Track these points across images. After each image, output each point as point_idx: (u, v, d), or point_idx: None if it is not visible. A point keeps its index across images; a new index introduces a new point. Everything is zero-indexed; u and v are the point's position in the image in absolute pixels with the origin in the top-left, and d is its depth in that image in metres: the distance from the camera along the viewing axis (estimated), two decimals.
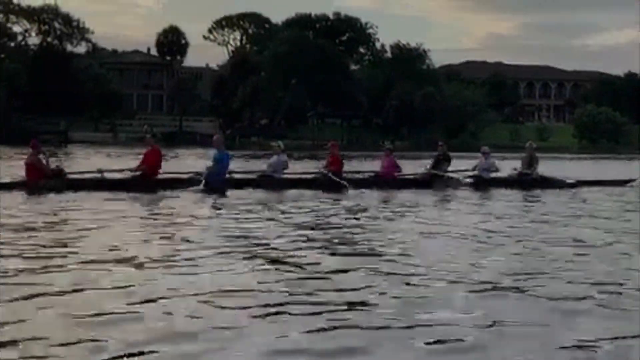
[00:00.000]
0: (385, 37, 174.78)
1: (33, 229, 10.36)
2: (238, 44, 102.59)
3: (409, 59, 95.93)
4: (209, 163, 17.96)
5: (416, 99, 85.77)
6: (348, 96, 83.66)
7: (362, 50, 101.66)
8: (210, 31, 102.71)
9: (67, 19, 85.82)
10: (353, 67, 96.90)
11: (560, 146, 77.13)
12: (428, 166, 21.11)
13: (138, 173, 17.65)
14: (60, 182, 16.39)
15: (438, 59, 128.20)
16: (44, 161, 16.78)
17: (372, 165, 25.04)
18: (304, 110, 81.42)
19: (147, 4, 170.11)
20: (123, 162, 27.28)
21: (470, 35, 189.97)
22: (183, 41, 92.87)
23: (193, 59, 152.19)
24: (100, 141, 70.00)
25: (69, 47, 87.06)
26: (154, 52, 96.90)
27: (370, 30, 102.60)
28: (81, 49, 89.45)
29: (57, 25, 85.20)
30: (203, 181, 17.18)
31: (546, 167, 23.42)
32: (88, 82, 78.86)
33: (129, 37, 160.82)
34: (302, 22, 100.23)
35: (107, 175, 17.56)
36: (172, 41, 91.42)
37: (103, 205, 13.65)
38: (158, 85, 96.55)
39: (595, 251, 9.54)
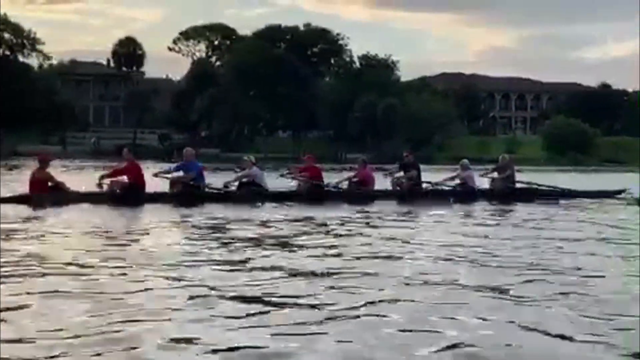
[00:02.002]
0: (382, 51, 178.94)
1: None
2: (203, 55, 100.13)
3: (376, 70, 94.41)
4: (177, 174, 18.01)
5: (378, 111, 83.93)
6: (306, 108, 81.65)
7: (334, 61, 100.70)
8: (175, 42, 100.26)
9: (17, 30, 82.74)
10: (326, 78, 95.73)
11: (527, 158, 75.46)
12: (396, 174, 20.86)
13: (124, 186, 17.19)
14: (63, 196, 16.16)
15: (434, 70, 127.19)
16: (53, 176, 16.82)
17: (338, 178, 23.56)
18: (261, 122, 79.29)
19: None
20: (75, 177, 26.11)
21: (467, 49, 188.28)
22: (140, 52, 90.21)
23: (161, 70, 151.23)
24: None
25: (21, 58, 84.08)
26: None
27: (342, 42, 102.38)
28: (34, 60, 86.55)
29: (6, 36, 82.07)
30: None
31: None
32: (37, 94, 75.85)
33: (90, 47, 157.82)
34: (271, 34, 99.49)
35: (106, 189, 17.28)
36: (128, 52, 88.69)
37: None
38: (116, 97, 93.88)
39: None
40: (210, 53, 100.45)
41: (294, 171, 20.38)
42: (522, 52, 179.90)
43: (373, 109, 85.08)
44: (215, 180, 20.15)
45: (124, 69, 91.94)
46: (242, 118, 79.31)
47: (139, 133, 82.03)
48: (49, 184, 16.53)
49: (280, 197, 18.44)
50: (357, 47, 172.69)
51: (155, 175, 18.52)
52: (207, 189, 18.30)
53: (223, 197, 17.90)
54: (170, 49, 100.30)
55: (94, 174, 25.67)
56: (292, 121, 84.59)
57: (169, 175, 18.18)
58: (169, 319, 5.93)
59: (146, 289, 7.08)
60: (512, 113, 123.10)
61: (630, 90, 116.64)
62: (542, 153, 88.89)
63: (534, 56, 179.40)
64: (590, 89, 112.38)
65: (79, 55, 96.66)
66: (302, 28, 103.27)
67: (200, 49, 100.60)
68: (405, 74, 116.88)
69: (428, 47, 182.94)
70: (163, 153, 60.92)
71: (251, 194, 18.15)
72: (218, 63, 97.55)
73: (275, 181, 20.65)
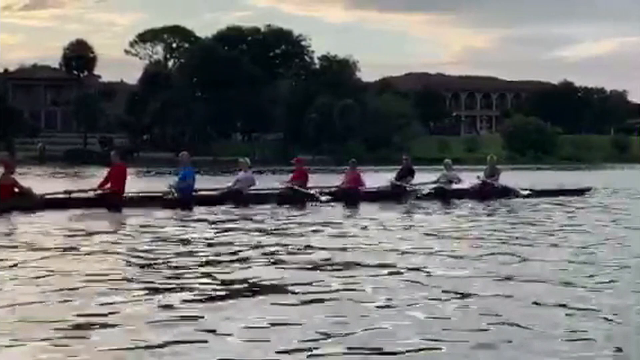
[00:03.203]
0: (362, 53, 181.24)
1: None
2: (161, 58, 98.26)
3: (335, 71, 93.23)
4: (175, 180, 18.18)
5: (334, 112, 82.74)
6: (261, 110, 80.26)
7: (296, 63, 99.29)
8: (131, 45, 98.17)
9: None
10: (285, 80, 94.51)
11: (486, 157, 73.61)
12: (392, 178, 21.17)
13: (105, 191, 17.29)
14: (29, 201, 16.11)
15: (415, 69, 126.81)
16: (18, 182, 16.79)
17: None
18: (215, 125, 77.71)
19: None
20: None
21: (447, 49, 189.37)
22: (92, 55, 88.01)
23: (117, 74, 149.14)
24: None
25: None
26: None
27: (304, 43, 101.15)
28: None
29: None
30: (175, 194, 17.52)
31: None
32: None
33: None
34: (232, 36, 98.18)
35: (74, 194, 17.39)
36: (79, 55, 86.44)
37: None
38: (68, 102, 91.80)
39: None
40: (168, 56, 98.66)
41: (288, 180, 20.09)
42: (500, 52, 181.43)
43: (329, 110, 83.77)
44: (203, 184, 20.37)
45: (75, 72, 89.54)
46: (195, 121, 77.43)
47: (90, 138, 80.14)
48: (15, 189, 16.46)
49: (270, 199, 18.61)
50: (334, 49, 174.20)
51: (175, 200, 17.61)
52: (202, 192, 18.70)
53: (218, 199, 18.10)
54: (127, 52, 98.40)
55: (44, 182, 26.10)
56: (247, 124, 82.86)
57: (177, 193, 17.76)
58: None
59: None
60: (477, 112, 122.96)
61: (591, 87, 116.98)
62: (502, 152, 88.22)
63: (512, 57, 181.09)
64: (551, 86, 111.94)
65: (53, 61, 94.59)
66: (263, 30, 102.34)
67: (157, 52, 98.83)
68: (377, 75, 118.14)
69: (407, 48, 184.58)
70: (101, 157, 59.23)
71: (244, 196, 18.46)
72: (175, 66, 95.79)
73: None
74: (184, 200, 17.27)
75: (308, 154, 72.84)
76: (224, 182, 20.47)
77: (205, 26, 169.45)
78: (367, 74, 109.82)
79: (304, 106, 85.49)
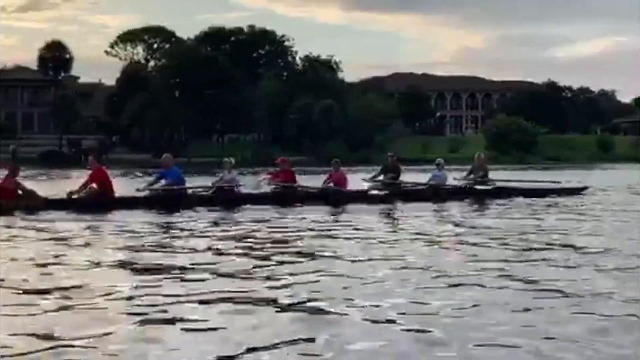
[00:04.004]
0: (355, 54, 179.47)
1: None
2: (142, 59, 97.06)
3: (317, 71, 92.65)
4: (162, 182, 18.04)
5: (314, 112, 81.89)
6: (240, 111, 79.29)
7: (279, 63, 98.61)
8: (112, 46, 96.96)
9: None
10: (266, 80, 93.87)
11: (469, 157, 72.91)
12: (377, 176, 21.02)
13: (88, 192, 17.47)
14: (34, 203, 16.55)
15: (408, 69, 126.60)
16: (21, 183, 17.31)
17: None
18: (193, 126, 76.67)
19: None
20: None
21: (441, 49, 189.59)
22: (68, 56, 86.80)
23: (96, 75, 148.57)
24: None
25: None
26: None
27: (287, 43, 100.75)
28: None
29: None
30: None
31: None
32: None
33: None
34: (213, 36, 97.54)
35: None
36: (55, 56, 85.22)
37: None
38: (45, 104, 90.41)
39: None
40: (148, 57, 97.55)
41: (270, 177, 20.06)
42: (491, 52, 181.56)
43: (309, 110, 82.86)
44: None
45: (51, 73, 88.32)
46: (173, 122, 76.36)
47: (66, 139, 79.12)
48: (19, 191, 17.01)
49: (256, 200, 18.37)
50: (326, 50, 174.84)
51: (142, 190, 18.11)
52: (193, 191, 18.66)
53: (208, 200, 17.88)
54: (107, 53, 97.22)
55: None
56: (225, 125, 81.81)
57: (155, 187, 18.13)
58: None
59: None
60: (463, 112, 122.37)
61: (575, 87, 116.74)
62: (485, 152, 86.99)
63: (504, 57, 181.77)
64: (536, 86, 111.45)
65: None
66: (246, 30, 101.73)
67: (137, 53, 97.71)
68: (365, 75, 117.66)
69: (399, 48, 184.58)
70: (72, 159, 58.16)
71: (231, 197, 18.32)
72: (155, 67, 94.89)
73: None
74: (170, 200, 17.36)
75: (289, 155, 72.13)
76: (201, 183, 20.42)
77: (198, 28, 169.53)
78: (356, 75, 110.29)
79: (285, 107, 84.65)
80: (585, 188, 22.62)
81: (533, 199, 19.85)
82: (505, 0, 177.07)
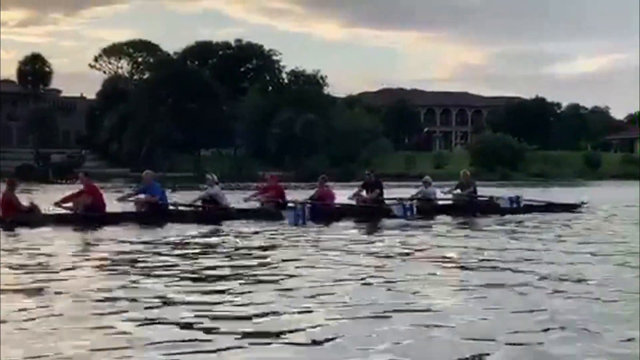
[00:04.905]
0: (353, 70, 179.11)
1: None
2: (126, 73, 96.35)
3: (301, 85, 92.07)
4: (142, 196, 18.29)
5: (296, 127, 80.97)
6: (222, 125, 78.20)
7: (263, 77, 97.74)
8: (96, 59, 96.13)
9: None
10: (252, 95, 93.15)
11: (453, 173, 72.18)
12: (361, 192, 20.64)
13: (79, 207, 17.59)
14: (34, 218, 16.67)
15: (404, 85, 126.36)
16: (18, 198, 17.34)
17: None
18: (173, 140, 75.59)
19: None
20: None
21: (441, 66, 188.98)
22: (47, 69, 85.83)
23: (78, 89, 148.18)
24: None
25: None
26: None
27: (275, 57, 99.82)
28: None
29: None
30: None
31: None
32: None
33: None
34: (200, 50, 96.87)
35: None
36: (35, 69, 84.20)
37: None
38: (23, 117, 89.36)
39: None
40: (133, 71, 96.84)
41: (259, 192, 20.41)
42: (492, 68, 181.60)
43: (292, 125, 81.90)
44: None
45: (30, 87, 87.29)
46: (152, 136, 75.25)
47: (44, 154, 78.14)
48: (19, 206, 17.10)
49: (245, 215, 18.63)
50: (330, 66, 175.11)
51: (120, 200, 18.86)
52: (174, 207, 18.67)
53: (193, 215, 18.13)
54: (91, 67, 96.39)
55: None
56: (206, 139, 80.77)
57: (133, 198, 18.54)
58: None
59: None
60: (452, 128, 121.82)
61: (564, 104, 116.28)
62: (470, 168, 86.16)
63: (506, 73, 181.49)
64: (524, 101, 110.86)
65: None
66: (234, 44, 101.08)
67: (122, 66, 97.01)
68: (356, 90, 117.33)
69: (399, 64, 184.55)
70: (40, 174, 57.19)
71: (217, 212, 18.41)
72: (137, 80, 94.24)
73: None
74: (156, 215, 17.60)
75: (271, 170, 71.27)
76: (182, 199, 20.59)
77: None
78: (352, 91, 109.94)
79: (268, 121, 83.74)
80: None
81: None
82: (505, 18, 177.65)
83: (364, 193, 20.51)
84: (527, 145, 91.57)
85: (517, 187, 47.30)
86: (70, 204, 17.66)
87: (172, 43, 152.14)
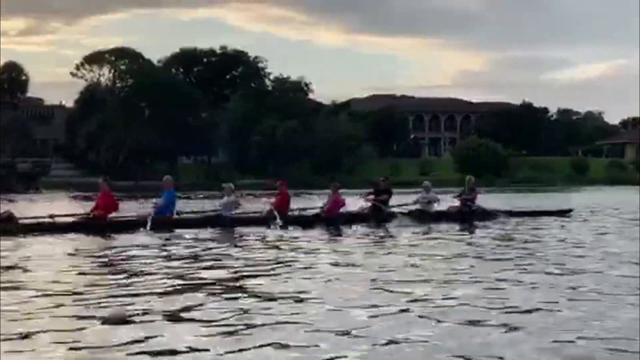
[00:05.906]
0: (354, 76, 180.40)
1: None
2: (108, 81, 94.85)
3: (285, 92, 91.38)
4: (159, 202, 18.45)
5: (277, 134, 79.93)
6: (202, 133, 76.99)
7: (253, 85, 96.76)
8: (77, 67, 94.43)
9: None
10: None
11: (438, 180, 71.35)
12: (370, 197, 21.01)
13: (90, 216, 17.89)
14: (12, 227, 16.38)
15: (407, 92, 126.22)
16: None
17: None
18: (151, 149, 74.31)
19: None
20: None
21: (441, 73, 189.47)
22: (24, 77, 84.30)
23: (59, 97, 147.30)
24: None
25: None
26: None
27: (260, 64, 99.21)
28: None
29: None
30: (149, 223, 17.34)
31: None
32: None
33: None
34: (185, 58, 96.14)
35: (58, 219, 17.75)
36: (11, 78, 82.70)
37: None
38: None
39: None
40: (115, 79, 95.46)
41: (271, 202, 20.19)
42: (492, 75, 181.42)
43: (273, 132, 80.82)
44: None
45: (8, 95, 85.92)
46: (130, 145, 73.95)
47: (21, 162, 76.42)
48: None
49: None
50: (330, 73, 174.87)
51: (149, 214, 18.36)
52: (185, 215, 19.21)
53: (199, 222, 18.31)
54: (73, 75, 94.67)
55: None
56: (185, 147, 79.52)
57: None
58: None
59: None
60: (441, 134, 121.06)
61: (553, 109, 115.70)
62: (455, 174, 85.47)
63: (505, 79, 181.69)
64: (512, 107, 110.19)
65: None
66: (219, 51, 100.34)
67: (103, 74, 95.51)
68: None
69: (399, 71, 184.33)
70: (7, 183, 55.77)
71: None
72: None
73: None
74: (159, 222, 17.52)
75: (252, 178, 70.57)
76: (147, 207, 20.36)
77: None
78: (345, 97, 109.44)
79: (250, 129, 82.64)
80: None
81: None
82: (505, 24, 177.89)
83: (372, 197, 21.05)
84: (512, 151, 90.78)
85: (493, 193, 45.51)
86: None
87: (170, 52, 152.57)
